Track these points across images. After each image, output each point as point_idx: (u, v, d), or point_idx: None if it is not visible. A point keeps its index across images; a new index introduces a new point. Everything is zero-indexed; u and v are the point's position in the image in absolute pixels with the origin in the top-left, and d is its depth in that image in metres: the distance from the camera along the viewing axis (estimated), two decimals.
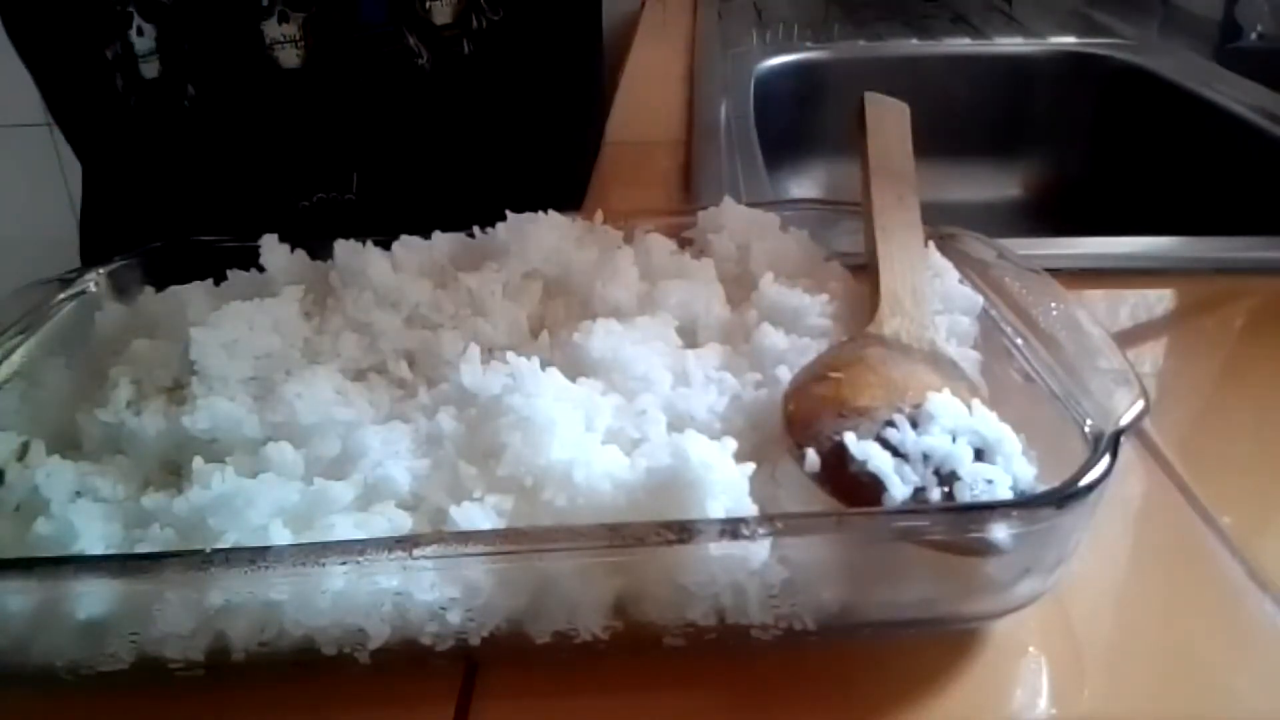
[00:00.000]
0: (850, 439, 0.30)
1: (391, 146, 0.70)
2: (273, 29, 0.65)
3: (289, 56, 0.66)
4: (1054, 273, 0.39)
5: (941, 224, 0.43)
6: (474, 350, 0.36)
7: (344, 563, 0.27)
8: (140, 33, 0.65)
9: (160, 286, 0.44)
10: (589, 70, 0.83)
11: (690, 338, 0.40)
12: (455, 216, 0.46)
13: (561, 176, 0.71)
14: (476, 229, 0.45)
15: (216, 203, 0.69)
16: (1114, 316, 0.52)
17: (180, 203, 0.70)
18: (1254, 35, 0.93)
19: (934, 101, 0.97)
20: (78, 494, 0.33)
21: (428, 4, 0.66)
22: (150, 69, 0.66)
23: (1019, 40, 1.02)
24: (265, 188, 0.69)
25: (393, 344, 0.40)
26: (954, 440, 0.30)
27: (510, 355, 0.35)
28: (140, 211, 0.73)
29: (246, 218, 0.66)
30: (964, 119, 0.97)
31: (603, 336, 0.37)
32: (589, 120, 0.81)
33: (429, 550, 0.27)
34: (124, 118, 0.69)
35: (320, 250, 0.44)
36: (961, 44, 1.01)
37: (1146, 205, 0.89)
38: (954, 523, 0.28)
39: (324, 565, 0.27)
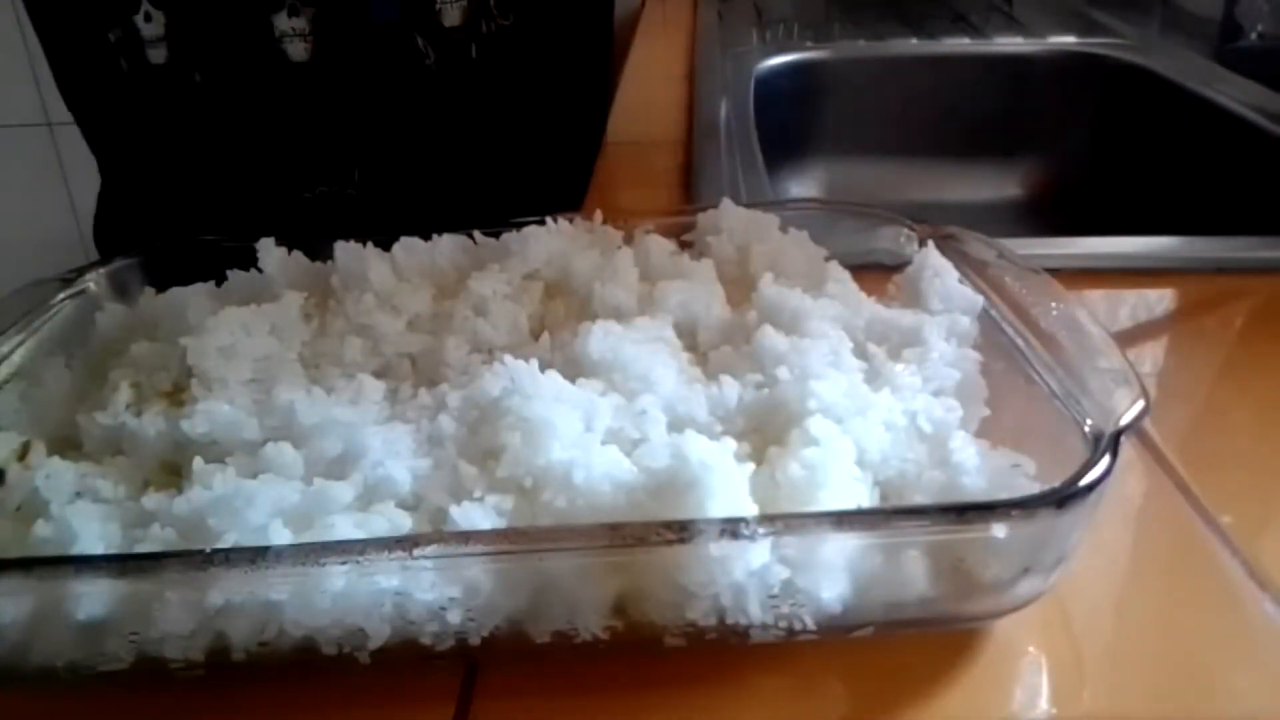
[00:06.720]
0: None
1: (394, 144, 0.70)
2: (282, 21, 0.66)
3: (297, 50, 0.67)
4: (1054, 273, 0.39)
5: (941, 224, 0.43)
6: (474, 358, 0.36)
7: (344, 563, 0.27)
8: (148, 18, 0.66)
9: (161, 287, 0.44)
10: (598, 75, 0.83)
11: (690, 338, 0.40)
12: (455, 215, 0.46)
13: (562, 176, 0.71)
14: (478, 234, 0.45)
15: (220, 188, 0.70)
16: (1114, 316, 0.52)
17: (186, 187, 0.71)
18: (1254, 35, 0.93)
19: (934, 101, 0.97)
20: (78, 495, 0.33)
21: (439, 5, 0.67)
22: (158, 54, 0.67)
23: (1019, 40, 1.02)
24: (268, 176, 0.70)
25: (395, 347, 0.40)
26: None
27: (508, 357, 0.35)
28: (151, 195, 0.74)
29: (250, 204, 0.67)
30: (964, 119, 0.97)
31: (602, 337, 0.37)
32: (594, 121, 0.82)
33: (429, 550, 0.27)
34: (129, 102, 0.69)
35: (320, 248, 0.44)
36: (961, 44, 1.01)
37: (1146, 205, 0.89)
38: (954, 522, 0.28)
39: (324, 565, 0.27)
